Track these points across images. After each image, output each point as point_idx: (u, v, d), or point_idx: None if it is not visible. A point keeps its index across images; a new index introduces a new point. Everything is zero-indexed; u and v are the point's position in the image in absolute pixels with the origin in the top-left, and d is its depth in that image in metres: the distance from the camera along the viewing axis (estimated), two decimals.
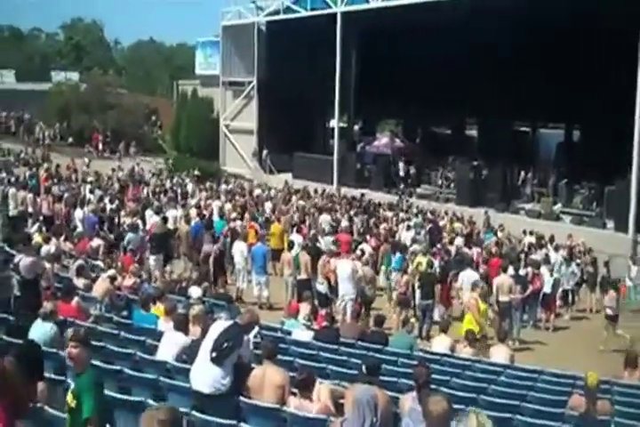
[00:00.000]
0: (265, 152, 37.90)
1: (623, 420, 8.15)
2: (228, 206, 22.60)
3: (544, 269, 16.81)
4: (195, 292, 11.73)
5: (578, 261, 19.13)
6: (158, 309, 10.35)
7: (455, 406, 7.66)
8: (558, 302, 17.42)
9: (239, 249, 16.49)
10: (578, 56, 27.92)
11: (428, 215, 25.16)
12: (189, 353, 7.70)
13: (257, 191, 28.20)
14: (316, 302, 13.71)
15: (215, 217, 20.22)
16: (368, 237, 19.83)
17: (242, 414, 6.75)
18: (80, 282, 11.76)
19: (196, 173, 33.18)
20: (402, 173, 32.12)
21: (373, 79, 34.28)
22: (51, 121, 46.01)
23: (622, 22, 22.66)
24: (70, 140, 44.61)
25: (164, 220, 18.01)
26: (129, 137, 44.48)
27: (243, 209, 22.60)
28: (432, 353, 11.21)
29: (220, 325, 7.14)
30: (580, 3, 23.58)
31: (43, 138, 43.98)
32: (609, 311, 15.61)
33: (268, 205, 24.36)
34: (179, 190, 26.72)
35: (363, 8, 31.64)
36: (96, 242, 15.55)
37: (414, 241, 18.70)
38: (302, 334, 11.04)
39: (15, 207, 19.05)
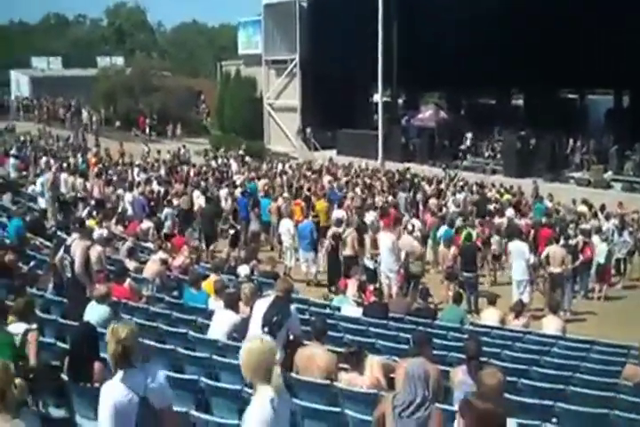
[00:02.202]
0: (309, 129, 37.87)
1: None
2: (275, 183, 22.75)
3: (596, 239, 16.50)
4: (243, 270, 11.87)
5: (630, 229, 18.71)
6: (209, 284, 10.51)
7: (508, 378, 7.72)
8: (612, 272, 17.11)
9: (286, 227, 16.59)
10: (622, 19, 27.11)
11: (474, 188, 24.83)
12: (240, 331, 7.80)
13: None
14: (365, 278, 13.73)
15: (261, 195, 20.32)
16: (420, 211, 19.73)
17: (292, 391, 6.85)
18: (131, 264, 11.97)
19: (241, 152, 33.33)
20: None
21: (416, 52, 33.88)
22: (98, 106, 46.70)
23: None
24: (117, 124, 45.24)
25: (208, 199, 18.21)
26: (174, 119, 44.89)
27: (289, 187, 22.66)
28: (482, 326, 11.17)
29: (265, 300, 7.24)
30: None
31: (90, 123, 44.67)
32: None
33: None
34: (224, 170, 26.89)
35: None
36: (146, 224, 15.83)
37: (458, 215, 18.52)
38: (351, 309, 11.10)
39: (67, 192, 19.44)
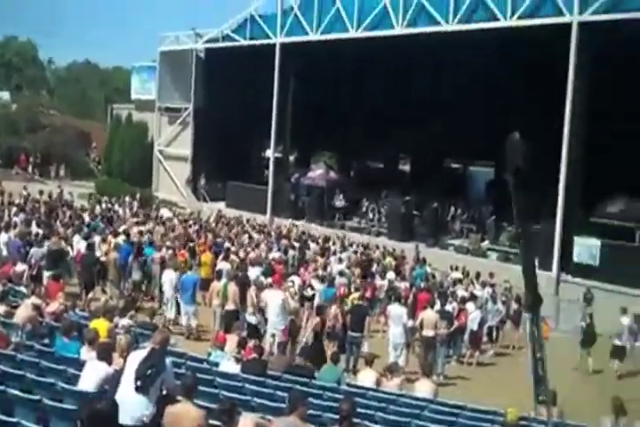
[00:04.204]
0: (203, 180, 37.68)
1: None
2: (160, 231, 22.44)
3: (471, 306, 17.12)
4: (122, 321, 11.52)
5: (503, 298, 19.53)
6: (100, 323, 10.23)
7: None
8: (484, 339, 17.72)
9: (169, 278, 16.30)
10: (507, 98, 28.84)
11: (359, 248, 25.34)
12: (113, 384, 7.55)
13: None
14: (245, 334, 13.61)
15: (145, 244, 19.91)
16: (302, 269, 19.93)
17: None
18: (1, 308, 11.39)
19: (127, 198, 32.68)
20: (338, 204, 32.31)
21: (310, 111, 34.68)
22: None
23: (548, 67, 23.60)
24: None
25: (90, 246, 17.71)
26: (59, 160, 43.63)
27: (175, 237, 22.36)
28: (358, 387, 11.25)
29: (140, 353, 7.07)
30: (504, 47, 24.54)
31: None
32: None
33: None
34: (109, 216, 26.24)
35: (301, 40, 32.07)
36: (20, 267, 15.14)
37: (341, 274, 18.79)
38: (230, 365, 10.94)
39: None
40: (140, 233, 21.45)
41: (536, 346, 3.33)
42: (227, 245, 21.73)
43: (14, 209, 23.49)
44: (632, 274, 21.14)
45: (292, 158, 42.36)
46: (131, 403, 6.77)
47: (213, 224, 28.10)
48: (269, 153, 36.68)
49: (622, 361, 16.74)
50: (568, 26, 23.04)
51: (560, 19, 23.44)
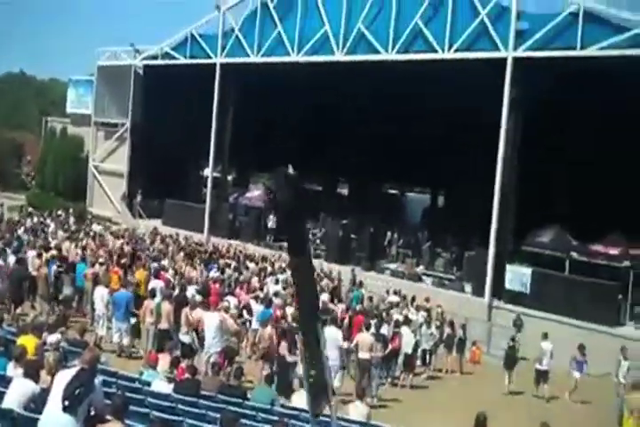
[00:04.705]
0: (139, 197, 37.09)
1: None
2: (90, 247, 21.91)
3: (405, 330, 17.20)
4: (51, 337, 11.14)
5: (437, 322, 19.71)
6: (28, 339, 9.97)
7: None
8: (417, 362, 17.81)
9: (100, 294, 15.95)
10: (441, 126, 29.40)
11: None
12: (39, 402, 7.31)
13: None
14: (179, 353, 13.34)
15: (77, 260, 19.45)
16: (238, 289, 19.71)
17: None
18: None
19: (60, 212, 31.95)
20: (271, 225, 32.23)
21: (249, 132, 34.64)
22: None
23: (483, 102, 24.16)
24: None
25: (19, 260, 17.20)
26: None
27: (108, 253, 21.90)
28: (292, 408, 11.11)
29: (68, 372, 6.88)
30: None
31: None
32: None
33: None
34: (40, 230, 25.60)
35: (242, 61, 32.12)
36: None
37: (276, 295, 18.68)
38: (162, 385, 10.68)
39: None
40: (72, 248, 20.95)
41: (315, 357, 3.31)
42: (162, 262, 21.37)
43: None
44: (560, 302, 21.71)
45: (230, 178, 42.12)
46: (57, 423, 6.59)
47: (148, 241, 27.64)
48: (207, 172, 36.43)
49: (546, 384, 17.06)
50: (503, 60, 23.66)
51: (496, 53, 24.05)
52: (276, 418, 9.55)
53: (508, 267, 23.65)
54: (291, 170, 3.87)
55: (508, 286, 23.39)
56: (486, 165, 24.44)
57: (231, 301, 17.03)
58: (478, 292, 24.02)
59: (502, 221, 23.98)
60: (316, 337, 3.32)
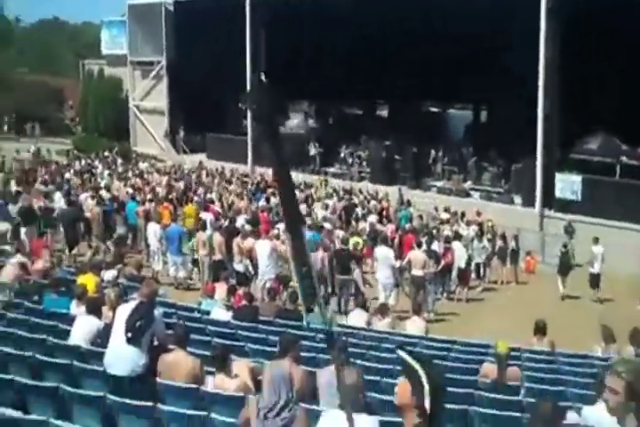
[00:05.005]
0: (181, 133, 37.24)
1: (532, 385, 8.47)
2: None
3: (457, 244, 17.24)
4: (108, 274, 11.49)
5: (488, 236, 19.66)
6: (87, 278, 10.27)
7: (371, 377, 7.89)
8: (472, 276, 17.92)
9: (153, 230, 16.28)
10: (482, 37, 28.45)
11: (341, 193, 25.33)
12: (103, 337, 7.58)
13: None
14: (235, 282, 13.65)
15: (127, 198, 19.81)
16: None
17: (158, 396, 6.69)
18: None
19: (106, 153, 32.36)
20: (313, 152, 32.15)
21: (286, 60, 34.06)
22: None
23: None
24: None
25: (70, 202, 17.57)
26: (34, 118, 42.97)
27: (157, 190, 22.23)
28: (349, 327, 11.36)
29: (128, 305, 7.07)
30: None
31: None
32: None
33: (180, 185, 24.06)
34: (88, 172, 26.02)
35: None
36: (2, 226, 15.05)
37: (324, 219, 18.80)
38: (221, 313, 10.99)
39: None
40: (122, 187, 21.31)
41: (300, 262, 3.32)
42: (209, 196, 21.61)
43: None
44: (612, 207, 21.43)
45: None
46: (123, 355, 6.80)
47: (195, 176, 27.92)
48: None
49: (598, 287, 17.07)
50: None
51: None
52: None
53: (558, 176, 23.30)
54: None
55: (558, 194, 23.10)
56: (528, 74, 23.75)
57: (281, 228, 17.23)
58: (528, 203, 23.79)
59: (548, 129, 23.46)
60: (302, 241, 3.39)
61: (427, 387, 2.85)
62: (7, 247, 13.59)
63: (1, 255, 12.96)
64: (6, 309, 9.53)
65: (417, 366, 2.92)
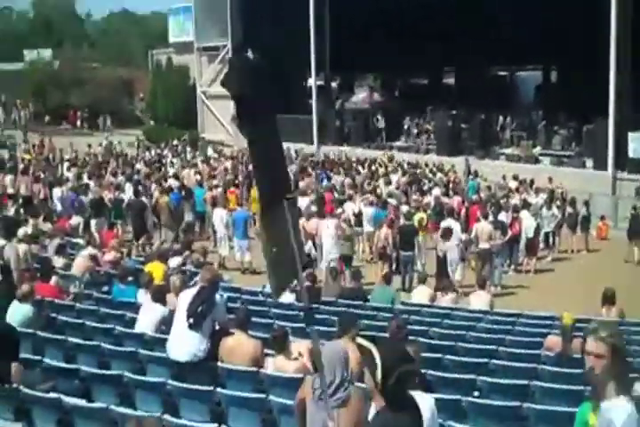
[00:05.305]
0: None
1: None
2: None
3: (525, 214, 16.88)
4: (173, 262, 11.79)
5: (558, 203, 19.18)
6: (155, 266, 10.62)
7: (432, 354, 7.90)
8: (541, 245, 17.53)
9: (219, 216, 16.52)
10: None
11: (405, 167, 25.15)
12: (168, 324, 7.77)
13: None
14: None
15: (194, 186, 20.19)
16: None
17: (219, 380, 6.88)
18: (59, 261, 11.76)
19: (175, 142, 32.97)
20: (379, 127, 31.97)
21: (348, 35, 33.81)
22: (26, 101, 45.51)
23: None
24: (47, 118, 44.21)
25: (138, 193, 18.00)
26: (105, 111, 44.07)
27: (223, 176, 22.56)
28: (413, 304, 11.36)
29: (190, 291, 7.22)
30: None
31: (19, 119, 43.59)
32: None
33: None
34: (157, 161, 26.59)
35: None
36: (75, 220, 15.59)
37: (390, 195, 18.71)
38: (284, 295, 11.12)
39: None
40: (191, 175, 21.71)
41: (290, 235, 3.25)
42: None
43: (66, 164, 24.02)
44: None
45: (334, 85, 41.71)
46: (185, 340, 6.97)
47: None
48: (311, 82, 36.18)
49: None
50: None
51: None
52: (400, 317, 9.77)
53: (631, 135, 22.52)
54: (250, 54, 3.75)
55: (631, 154, 22.35)
56: (599, 32, 22.91)
57: (347, 207, 17.29)
58: (600, 165, 23.09)
59: (620, 88, 22.63)
60: (283, 216, 3.32)
61: (380, 366, 2.93)
62: (80, 240, 14.07)
63: (73, 248, 13.46)
64: (76, 300, 9.91)
65: (372, 348, 3.01)
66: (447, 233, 14.22)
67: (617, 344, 3.32)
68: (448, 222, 15.14)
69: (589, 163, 24.00)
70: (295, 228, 3.73)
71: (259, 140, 3.48)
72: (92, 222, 16.38)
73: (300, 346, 7.26)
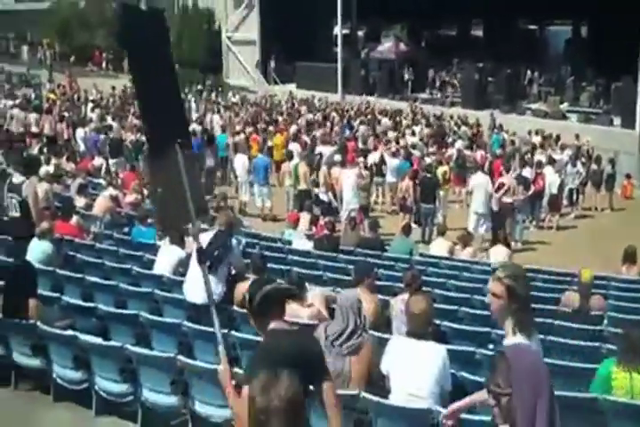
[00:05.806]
0: (272, 63, 37.08)
1: (617, 314, 8.21)
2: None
3: (549, 170, 16.64)
4: None
5: (582, 160, 18.90)
6: None
7: (448, 306, 7.88)
8: (564, 202, 17.34)
9: (240, 161, 16.46)
10: None
11: (431, 119, 24.84)
12: (185, 266, 7.80)
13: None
14: (319, 211, 13.74)
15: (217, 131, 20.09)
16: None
17: (234, 323, 6.92)
18: (81, 201, 11.82)
19: (199, 86, 32.70)
20: (405, 78, 31.49)
21: None
22: (51, 41, 45.17)
23: None
24: (72, 59, 43.90)
25: None
26: None
27: (245, 122, 22.41)
28: (431, 256, 11.31)
29: (207, 235, 7.21)
30: None
31: (44, 58, 43.36)
32: None
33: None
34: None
35: None
36: (98, 161, 15.60)
37: (413, 147, 18.50)
38: (302, 243, 11.15)
39: (17, 129, 18.95)
40: (214, 120, 21.57)
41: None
42: (294, 127, 21.57)
43: (90, 105, 23.92)
44: None
45: (360, 34, 40.97)
46: (201, 283, 6.97)
47: (285, 106, 27.92)
48: (337, 30, 35.56)
49: None
50: None
51: None
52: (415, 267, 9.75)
53: None
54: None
55: None
56: None
57: (370, 157, 17.16)
58: (628, 124, 22.65)
59: None
60: (174, 158, 3.21)
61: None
62: (102, 181, 14.09)
63: (95, 188, 13.50)
64: (96, 239, 9.96)
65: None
66: (500, 186, 13.96)
67: (512, 285, 3.43)
68: (477, 176, 14.86)
69: (617, 121, 23.57)
70: (189, 172, 3.66)
71: (148, 81, 3.35)
72: (111, 162, 16.37)
73: (315, 294, 7.28)
